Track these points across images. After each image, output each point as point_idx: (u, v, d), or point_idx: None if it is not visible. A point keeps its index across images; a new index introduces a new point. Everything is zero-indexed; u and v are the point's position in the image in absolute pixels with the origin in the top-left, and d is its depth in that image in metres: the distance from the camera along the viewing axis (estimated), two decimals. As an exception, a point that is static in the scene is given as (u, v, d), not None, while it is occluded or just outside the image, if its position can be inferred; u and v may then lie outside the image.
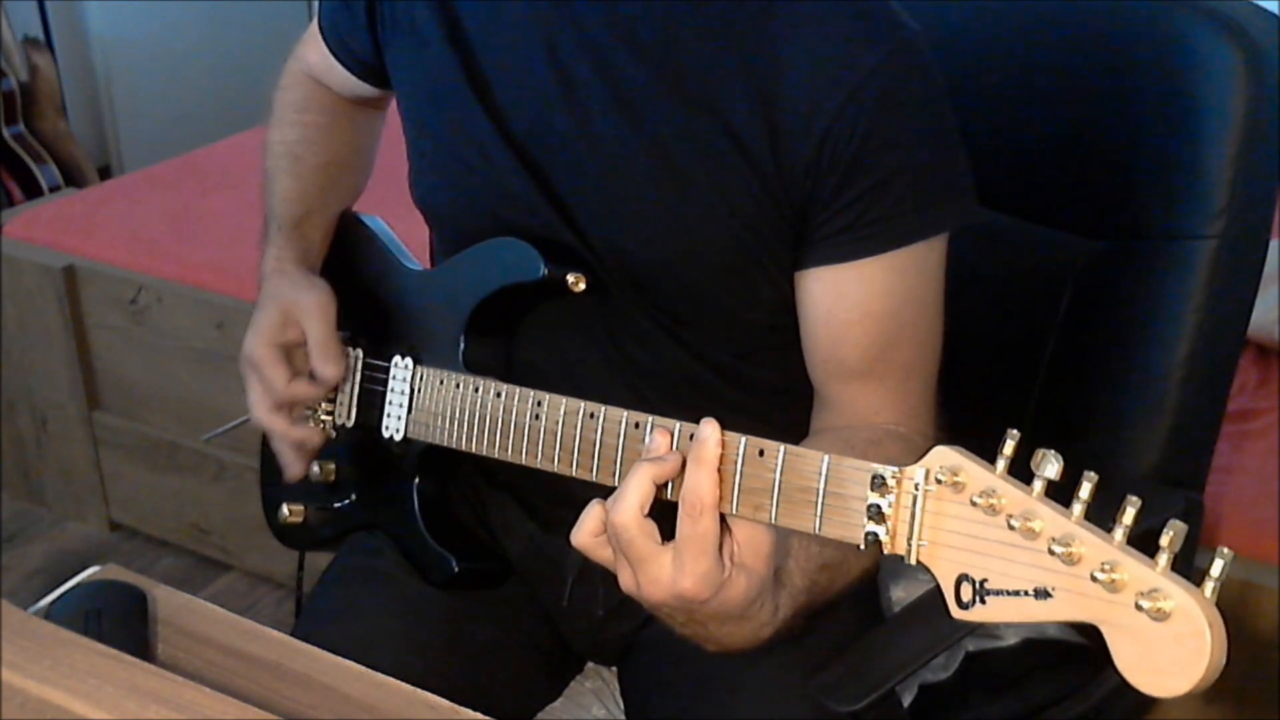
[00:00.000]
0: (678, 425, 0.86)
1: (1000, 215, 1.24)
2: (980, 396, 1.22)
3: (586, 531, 0.86)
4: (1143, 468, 1.19)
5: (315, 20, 1.28)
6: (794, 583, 0.92)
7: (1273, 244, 1.26)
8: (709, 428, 0.83)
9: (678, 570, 0.83)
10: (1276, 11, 1.22)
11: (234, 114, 2.92)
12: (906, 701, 1.18)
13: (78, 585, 0.98)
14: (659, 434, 0.86)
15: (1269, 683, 1.56)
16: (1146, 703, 1.28)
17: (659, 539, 0.84)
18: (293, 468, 1.19)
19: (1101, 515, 0.67)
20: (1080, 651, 1.19)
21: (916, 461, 0.74)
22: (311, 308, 1.15)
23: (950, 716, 1.20)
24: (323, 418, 1.20)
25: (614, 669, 1.27)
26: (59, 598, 0.97)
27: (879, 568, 1.24)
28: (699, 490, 0.82)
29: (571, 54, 1.04)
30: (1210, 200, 1.15)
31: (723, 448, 0.83)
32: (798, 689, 1.02)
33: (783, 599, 0.91)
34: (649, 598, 0.86)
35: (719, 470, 0.83)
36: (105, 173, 3.56)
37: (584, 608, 1.18)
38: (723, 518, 0.84)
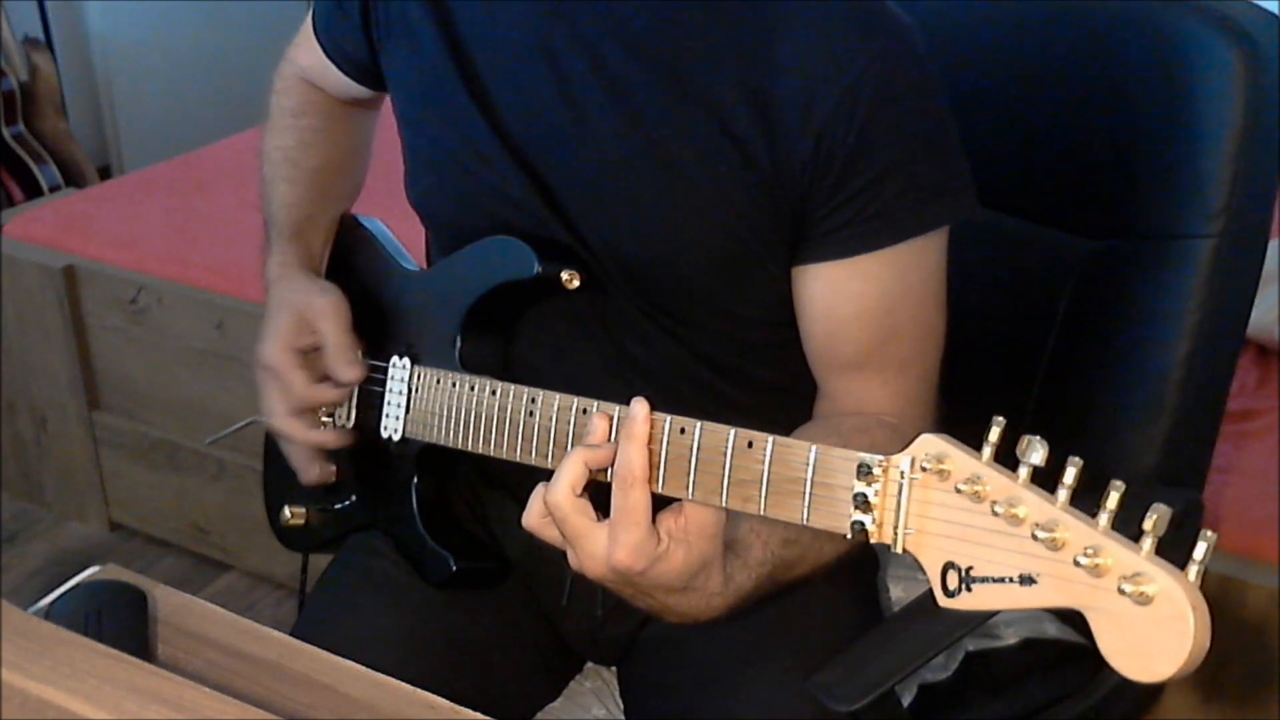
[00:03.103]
0: (617, 409, 0.89)
1: (1000, 215, 1.24)
2: (980, 395, 1.21)
3: (534, 513, 0.90)
4: (1142, 467, 1.19)
5: (308, 22, 1.28)
6: (751, 554, 0.94)
7: (1273, 244, 1.26)
8: (638, 405, 0.86)
9: (612, 542, 0.86)
10: (1276, 11, 1.22)
11: (234, 114, 2.92)
12: (906, 701, 1.18)
13: (78, 585, 0.98)
14: (597, 418, 0.89)
15: (1268, 682, 1.56)
16: (1146, 702, 1.28)
17: (593, 516, 0.88)
18: (309, 472, 1.19)
19: (1094, 510, 0.67)
20: (1080, 651, 1.19)
21: (903, 450, 0.74)
22: (327, 310, 1.15)
23: (950, 716, 1.20)
24: (323, 419, 1.20)
25: (614, 669, 1.27)
26: (59, 598, 0.97)
27: (877, 562, 1.24)
28: (629, 464, 0.85)
29: (566, 52, 1.04)
30: (1210, 200, 1.15)
31: (712, 439, 0.84)
32: (798, 689, 1.02)
33: (736, 569, 0.93)
34: (590, 572, 0.89)
35: (706, 463, 0.84)
36: (105, 173, 3.56)
37: (583, 607, 1.18)
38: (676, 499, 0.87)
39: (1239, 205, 1.15)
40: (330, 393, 1.16)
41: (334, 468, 1.20)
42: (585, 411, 0.93)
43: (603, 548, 0.87)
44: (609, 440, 0.88)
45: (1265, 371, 1.93)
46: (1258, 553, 1.57)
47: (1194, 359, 1.17)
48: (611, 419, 0.89)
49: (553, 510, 0.87)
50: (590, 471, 0.87)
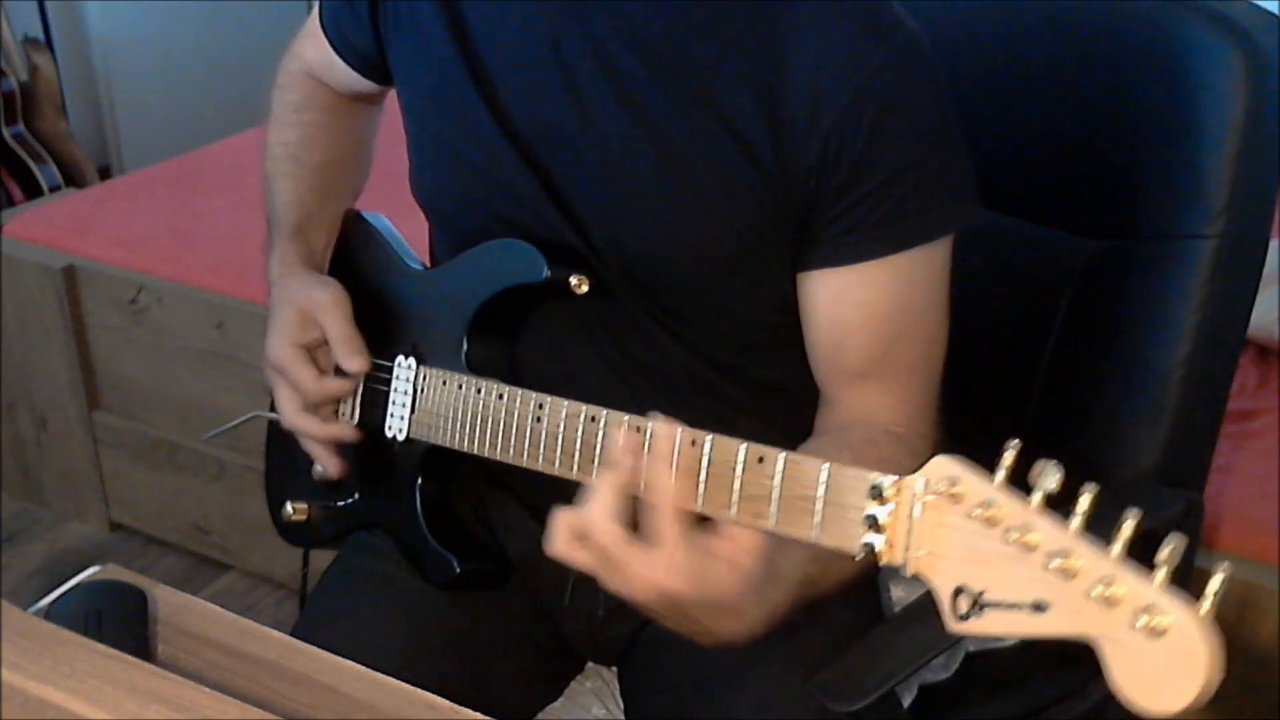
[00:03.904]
0: (626, 419, 0.88)
1: (1000, 215, 1.24)
2: (980, 397, 1.22)
3: (560, 541, 0.87)
4: (1142, 468, 1.19)
5: (313, 16, 1.28)
6: (783, 574, 0.93)
7: (1273, 244, 1.26)
8: (664, 426, 0.85)
9: (652, 566, 0.84)
10: (1276, 11, 1.22)
11: (234, 114, 2.92)
12: (906, 702, 1.18)
13: (78, 585, 0.98)
14: (615, 433, 0.88)
15: (1269, 683, 1.56)
16: (1146, 703, 1.27)
17: (636, 542, 0.85)
18: (330, 465, 1.18)
19: (1103, 517, 0.67)
20: (1080, 651, 1.19)
21: (912, 465, 0.74)
22: (328, 304, 1.15)
23: (950, 716, 1.20)
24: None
25: (614, 669, 1.27)
26: (59, 598, 0.97)
27: (878, 567, 1.24)
28: (657, 485, 0.84)
29: (576, 52, 1.04)
30: (1210, 200, 1.15)
31: (723, 453, 0.83)
32: (798, 689, 1.02)
33: (770, 590, 0.92)
34: (634, 597, 0.87)
35: (717, 477, 0.83)
36: (105, 173, 3.56)
37: (584, 607, 1.18)
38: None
39: (1239, 205, 1.15)
40: (339, 385, 1.16)
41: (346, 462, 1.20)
42: (593, 419, 0.93)
43: (645, 572, 0.84)
44: (630, 455, 0.86)
45: (1265, 371, 1.93)
46: (1258, 554, 1.57)
47: (1194, 359, 1.17)
48: (634, 430, 0.87)
49: (588, 538, 0.85)
50: (625, 497, 0.85)
